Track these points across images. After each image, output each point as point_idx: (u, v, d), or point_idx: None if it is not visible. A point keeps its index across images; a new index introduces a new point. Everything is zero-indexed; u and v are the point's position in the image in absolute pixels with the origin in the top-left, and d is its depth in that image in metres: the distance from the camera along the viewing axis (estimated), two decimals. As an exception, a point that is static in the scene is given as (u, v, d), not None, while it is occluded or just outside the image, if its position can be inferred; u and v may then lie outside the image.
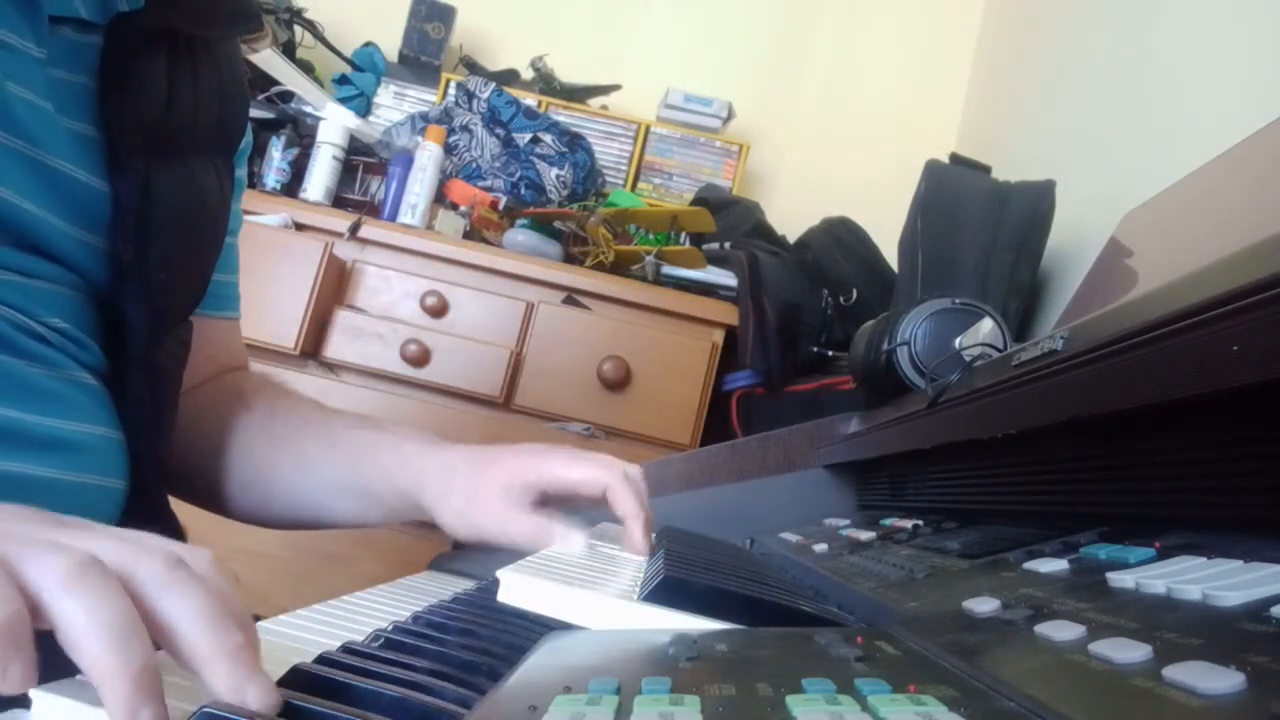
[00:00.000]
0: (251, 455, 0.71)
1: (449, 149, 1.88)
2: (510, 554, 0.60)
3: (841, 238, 1.79)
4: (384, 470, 0.68)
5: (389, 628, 0.44)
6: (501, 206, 1.84)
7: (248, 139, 0.71)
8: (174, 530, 0.66)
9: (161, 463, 0.61)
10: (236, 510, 0.73)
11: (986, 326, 0.81)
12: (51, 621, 0.27)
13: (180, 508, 0.71)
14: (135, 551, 0.30)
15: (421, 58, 2.08)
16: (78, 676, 0.30)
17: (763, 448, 1.02)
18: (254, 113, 1.78)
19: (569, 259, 1.81)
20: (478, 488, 0.65)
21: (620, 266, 1.79)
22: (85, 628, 0.27)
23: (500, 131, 1.93)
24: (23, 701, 0.27)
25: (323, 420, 0.73)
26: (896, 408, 0.83)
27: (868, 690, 0.25)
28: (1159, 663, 0.23)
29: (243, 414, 0.72)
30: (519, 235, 1.75)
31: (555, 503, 0.67)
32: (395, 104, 2.06)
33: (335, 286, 1.66)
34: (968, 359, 0.73)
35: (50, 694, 0.27)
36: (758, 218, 1.96)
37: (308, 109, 1.89)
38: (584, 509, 0.69)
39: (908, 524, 0.67)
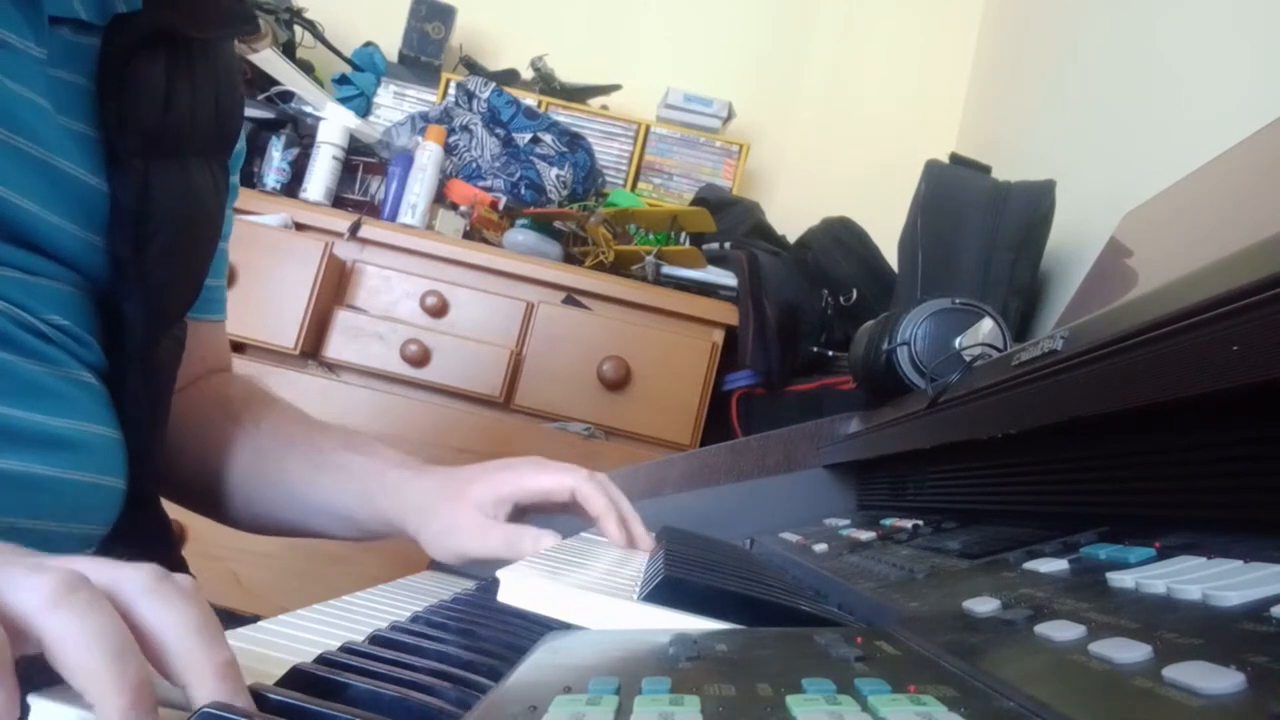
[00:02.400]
0: (239, 468, 0.72)
1: (449, 149, 1.88)
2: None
3: (841, 238, 1.79)
4: (369, 498, 0.70)
5: (389, 628, 0.44)
6: (501, 206, 1.84)
7: (241, 145, 0.71)
8: (167, 528, 0.66)
9: (155, 460, 0.62)
10: (230, 518, 0.74)
11: (986, 326, 0.81)
12: (41, 641, 0.27)
13: (179, 507, 0.71)
14: (118, 568, 0.30)
15: (421, 58, 2.08)
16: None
17: (763, 448, 1.02)
18: (254, 113, 1.79)
19: (569, 259, 1.81)
20: (455, 512, 0.67)
21: (620, 266, 1.79)
22: (78, 644, 0.26)
23: (500, 131, 1.93)
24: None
25: (308, 439, 0.73)
26: (896, 408, 0.83)
27: (868, 690, 0.25)
28: (1159, 663, 0.23)
29: (230, 425, 0.73)
30: (519, 235, 1.75)
31: (530, 514, 0.70)
32: (395, 104, 2.06)
33: (335, 286, 1.66)
34: (968, 359, 0.73)
35: (48, 700, 0.27)
36: (758, 218, 1.96)
37: (308, 109, 1.89)
38: (555, 516, 0.70)
39: (908, 524, 0.67)
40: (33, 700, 0.27)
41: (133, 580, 0.30)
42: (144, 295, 0.57)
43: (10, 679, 0.26)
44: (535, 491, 0.68)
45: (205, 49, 0.63)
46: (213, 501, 0.73)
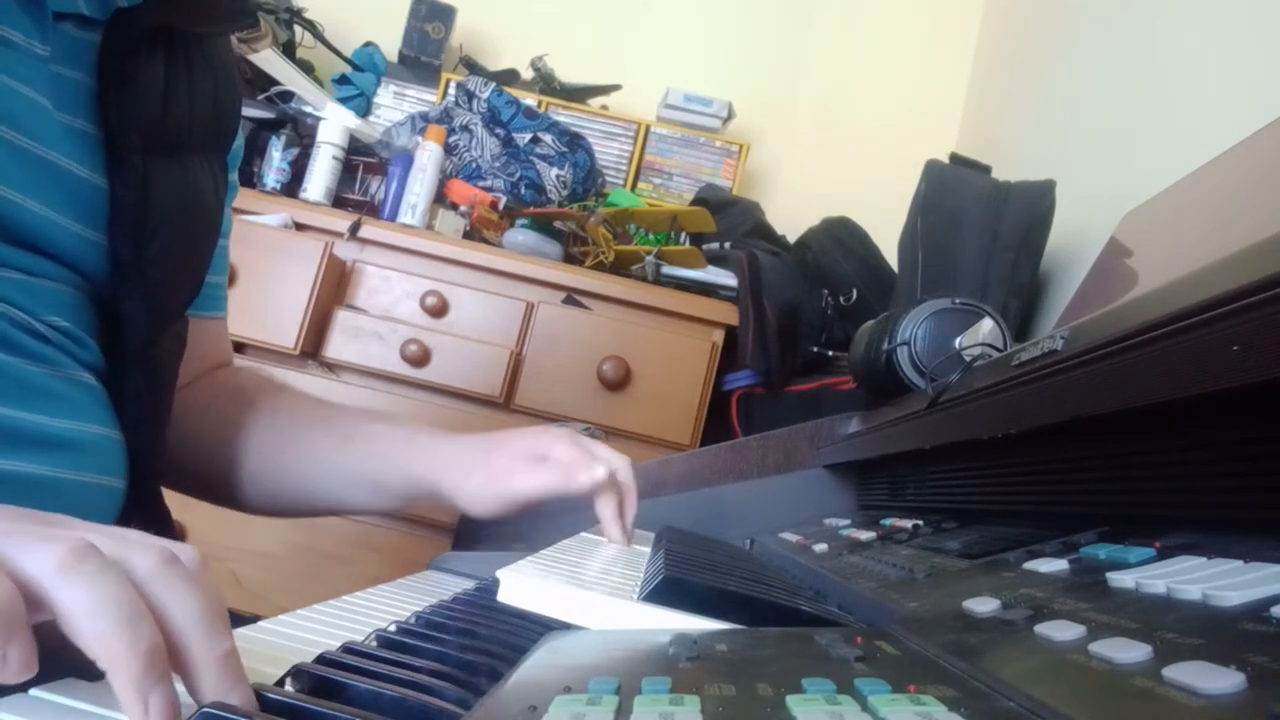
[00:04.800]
0: (260, 451, 0.73)
1: (449, 149, 1.88)
2: (511, 554, 0.60)
3: (841, 238, 1.79)
4: (399, 463, 0.71)
5: (389, 628, 0.44)
6: (501, 206, 1.84)
7: (239, 144, 0.71)
8: (169, 527, 0.66)
9: (157, 459, 0.62)
10: (246, 503, 0.75)
11: (986, 326, 0.81)
12: (53, 608, 0.27)
13: (179, 506, 0.71)
14: (128, 545, 0.30)
15: (421, 58, 2.08)
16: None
17: (763, 448, 1.02)
18: (254, 113, 1.79)
19: (569, 259, 1.81)
20: (497, 461, 0.69)
21: (620, 266, 1.79)
22: (89, 609, 0.26)
23: (500, 131, 1.92)
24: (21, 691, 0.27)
25: (328, 416, 0.75)
26: (896, 408, 0.83)
27: (868, 690, 0.25)
28: (1159, 663, 0.23)
29: (247, 411, 0.74)
30: (519, 235, 1.75)
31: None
32: (395, 104, 2.06)
33: (335, 286, 1.66)
34: (968, 359, 0.73)
35: (49, 694, 0.27)
36: (758, 218, 1.96)
37: (308, 109, 1.89)
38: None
39: (908, 524, 0.67)
40: (35, 695, 0.27)
41: (140, 561, 0.29)
42: (144, 293, 0.57)
43: (27, 635, 0.26)
44: (562, 463, 0.70)
45: (203, 46, 0.63)
46: (228, 488, 0.74)
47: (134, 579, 0.29)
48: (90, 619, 0.26)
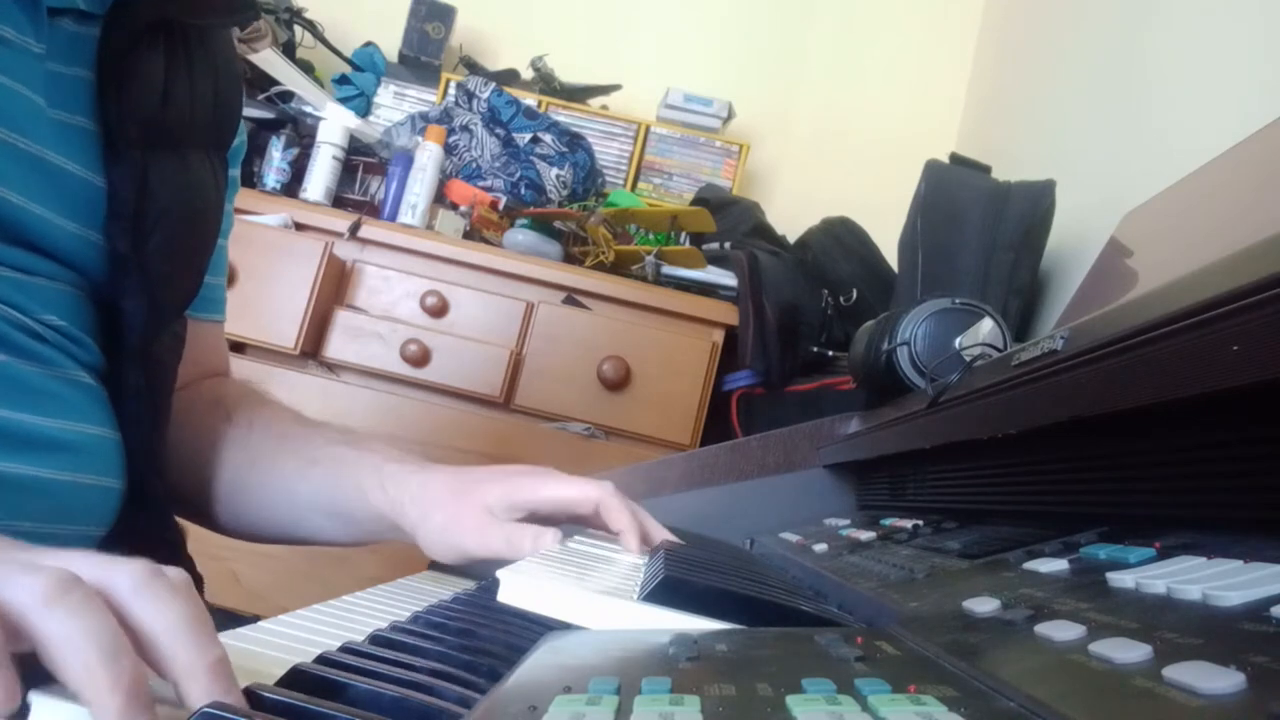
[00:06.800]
0: (230, 468, 0.70)
1: (449, 149, 1.88)
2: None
3: (841, 238, 1.79)
4: (362, 491, 0.66)
5: (389, 628, 0.44)
6: (501, 206, 1.84)
7: (242, 138, 0.70)
8: (171, 527, 0.65)
9: (157, 459, 0.61)
10: (218, 523, 0.72)
11: (986, 326, 0.81)
12: (35, 641, 0.27)
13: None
14: (111, 565, 0.30)
15: (421, 58, 2.08)
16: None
17: (763, 448, 1.02)
18: (254, 113, 1.79)
19: (569, 259, 1.81)
20: (461, 510, 0.63)
21: (620, 266, 1.79)
22: (72, 644, 0.27)
23: (500, 131, 1.92)
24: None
25: (302, 435, 0.70)
26: (896, 408, 0.83)
27: (868, 690, 0.25)
28: (1159, 663, 0.23)
29: (223, 425, 0.71)
30: (519, 235, 1.75)
31: (543, 522, 0.66)
32: (395, 104, 2.06)
33: (335, 286, 1.66)
34: (968, 359, 0.73)
35: (49, 697, 0.27)
36: (758, 218, 1.96)
37: (308, 109, 1.89)
38: (566, 527, 0.68)
39: (908, 524, 0.67)
40: (33, 697, 0.27)
41: (125, 578, 0.30)
42: (144, 290, 0.57)
43: (10, 669, 0.26)
44: (556, 500, 0.65)
45: (203, 39, 0.62)
46: (204, 506, 0.71)
47: (119, 597, 0.29)
48: (72, 653, 0.26)
